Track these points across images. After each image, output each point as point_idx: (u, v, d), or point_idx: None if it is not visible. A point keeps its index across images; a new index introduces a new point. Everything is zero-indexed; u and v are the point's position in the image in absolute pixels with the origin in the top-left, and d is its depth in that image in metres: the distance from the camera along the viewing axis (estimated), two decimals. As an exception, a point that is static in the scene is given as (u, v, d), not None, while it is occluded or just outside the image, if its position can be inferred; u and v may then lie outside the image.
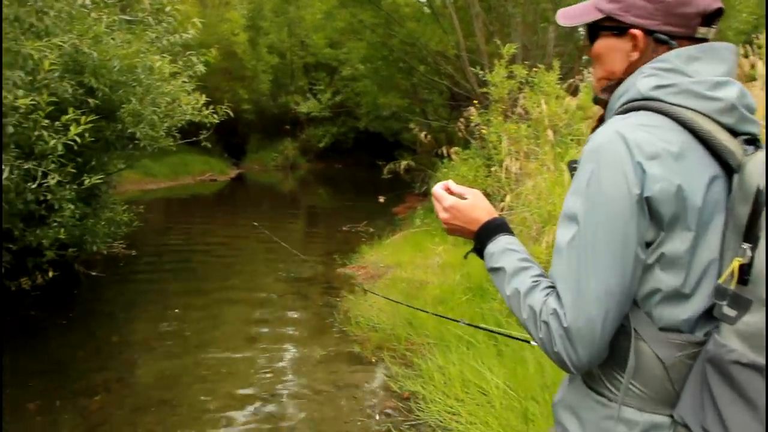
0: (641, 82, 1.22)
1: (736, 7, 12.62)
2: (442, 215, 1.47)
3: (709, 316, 1.14)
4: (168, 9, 7.53)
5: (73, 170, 5.79)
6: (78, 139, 4.60)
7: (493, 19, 15.63)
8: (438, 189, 1.49)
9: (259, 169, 27.10)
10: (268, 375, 5.03)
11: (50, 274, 6.40)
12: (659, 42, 1.24)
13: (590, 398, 1.26)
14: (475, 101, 9.71)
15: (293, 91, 29.14)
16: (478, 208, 1.43)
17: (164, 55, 6.65)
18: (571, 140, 7.26)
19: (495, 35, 13.98)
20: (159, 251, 9.57)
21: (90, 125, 4.74)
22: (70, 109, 4.68)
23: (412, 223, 11.24)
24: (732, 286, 1.06)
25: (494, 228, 1.40)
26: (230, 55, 25.03)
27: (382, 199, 13.20)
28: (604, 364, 1.21)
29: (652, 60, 1.23)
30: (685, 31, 1.23)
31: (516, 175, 7.48)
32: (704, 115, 1.16)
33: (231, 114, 7.40)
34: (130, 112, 6.16)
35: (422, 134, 10.15)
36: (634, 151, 1.12)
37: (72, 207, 5.71)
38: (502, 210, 7.08)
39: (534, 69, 8.34)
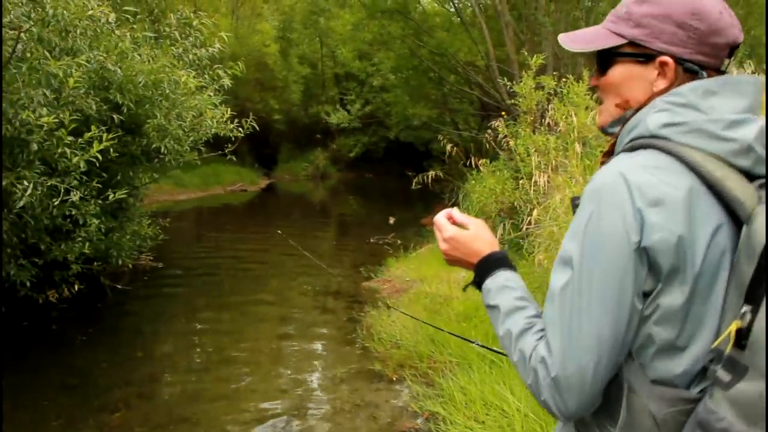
0: (651, 118, 1.14)
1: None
2: (442, 246, 1.41)
3: (705, 374, 1.07)
4: (195, 23, 7.59)
5: (98, 185, 5.86)
6: (99, 156, 4.62)
7: (524, 28, 15.51)
8: (440, 218, 1.43)
9: (290, 179, 27.23)
10: (290, 393, 4.99)
11: (76, 287, 6.46)
12: (688, 71, 1.16)
13: None
14: (503, 112, 9.60)
15: (324, 101, 29.29)
16: (479, 239, 1.37)
17: (189, 69, 6.66)
18: (601, 152, 7.11)
19: (525, 45, 13.86)
20: (186, 263, 9.62)
21: (112, 141, 4.76)
22: (93, 126, 4.70)
23: (439, 235, 11.15)
24: (728, 350, 0.98)
25: (494, 262, 1.33)
26: (262, 66, 25.28)
27: (392, 221, 13.09)
28: (596, 413, 1.15)
29: (666, 93, 1.15)
30: (714, 62, 1.16)
31: (544, 189, 7.36)
32: (717, 156, 1.08)
33: (256, 127, 7.40)
34: (155, 126, 6.19)
35: (449, 145, 10.02)
36: (635, 196, 1.05)
37: (97, 221, 5.75)
38: (529, 224, 6.97)
39: (563, 79, 8.20)
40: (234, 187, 21.57)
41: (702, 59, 1.14)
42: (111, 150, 5.82)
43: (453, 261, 1.42)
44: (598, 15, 13.79)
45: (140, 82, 5.87)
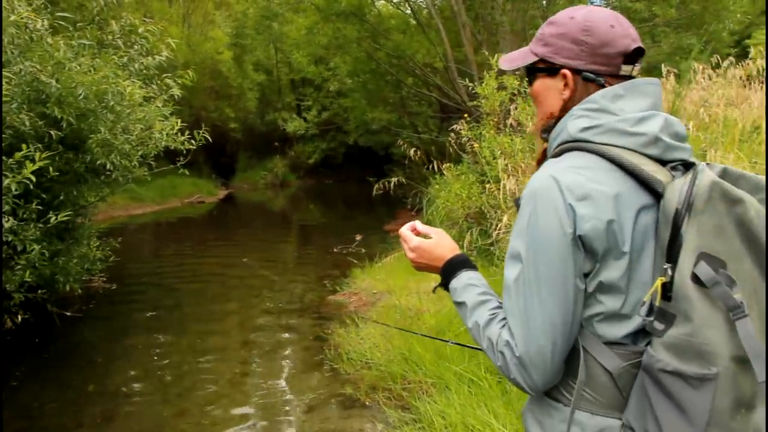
0: (571, 125, 1.33)
1: (729, 8, 12.34)
2: (409, 255, 1.60)
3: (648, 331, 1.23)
4: (141, 30, 7.17)
5: (38, 207, 5.42)
6: (33, 177, 4.19)
7: (480, 29, 15.36)
8: (405, 231, 1.63)
9: (249, 188, 26.68)
10: (256, 427, 4.62)
11: (19, 317, 5.99)
12: (587, 80, 1.35)
13: (548, 405, 1.37)
14: (464, 114, 9.35)
15: (281, 107, 28.84)
16: (441, 246, 1.57)
17: (134, 79, 6.24)
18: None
19: (483, 45, 13.69)
20: (142, 283, 9.12)
21: (47, 161, 4.32)
22: (23, 146, 4.25)
23: (405, 242, 10.86)
24: (657, 303, 1.17)
25: (456, 264, 1.52)
26: (216, 74, 24.73)
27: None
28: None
29: (582, 101, 1.34)
30: (609, 70, 1.34)
31: (513, 192, 7.12)
32: (630, 149, 1.26)
33: (209, 139, 7.01)
34: (99, 141, 5.76)
35: (411, 150, 9.73)
36: (565, 194, 1.23)
37: (38, 246, 5.31)
38: (499, 230, 6.72)
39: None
40: (191, 199, 20.97)
41: (597, 68, 1.34)
42: (50, 169, 5.41)
43: (421, 267, 1.61)
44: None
45: (80, 95, 5.43)
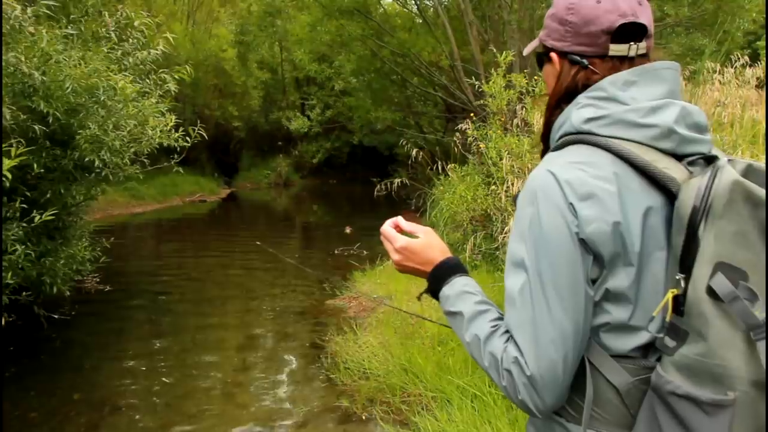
0: (575, 115, 1.20)
1: (744, 7, 12.03)
2: (394, 257, 1.41)
3: None
4: (137, 23, 6.91)
5: (23, 205, 5.17)
6: (8, 175, 3.93)
7: (487, 27, 15.12)
8: (387, 228, 1.44)
9: (252, 187, 26.45)
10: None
11: (2, 321, 5.73)
12: (573, 63, 1.24)
13: (553, 421, 1.25)
14: (471, 114, 9.09)
15: (285, 106, 28.59)
16: (430, 247, 1.39)
17: (125, 73, 5.98)
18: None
19: (490, 44, 13.44)
20: (135, 285, 8.86)
21: (25, 157, 4.05)
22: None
23: (408, 244, 10.60)
24: (668, 317, 1.06)
25: (448, 269, 1.36)
26: (220, 72, 24.49)
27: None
28: None
29: (589, 89, 1.21)
30: (595, 50, 1.21)
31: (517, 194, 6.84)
32: (641, 143, 1.13)
33: (204, 135, 6.73)
34: (88, 138, 5.50)
35: (414, 150, 9.47)
36: (566, 192, 1.11)
37: (22, 247, 5.06)
38: (505, 234, 6.45)
39: (535, 78, 7.71)
40: (193, 198, 20.73)
41: (582, 49, 1.21)
42: (35, 165, 5.17)
43: (406, 270, 1.42)
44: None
45: (68, 88, 5.18)
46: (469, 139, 8.30)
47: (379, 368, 5.09)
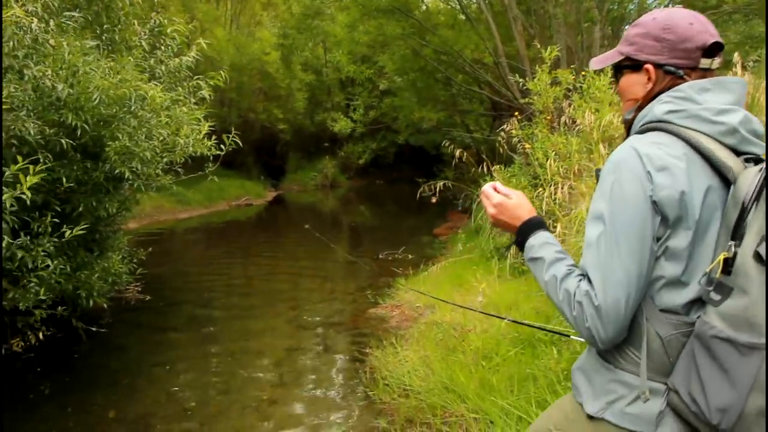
0: (658, 108, 1.48)
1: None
2: (490, 210, 1.73)
3: (702, 302, 1.36)
4: (170, 30, 6.80)
5: (54, 220, 5.07)
6: (28, 193, 3.80)
7: (533, 22, 14.67)
8: (487, 188, 1.75)
9: (299, 189, 26.46)
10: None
11: (41, 335, 5.69)
12: (668, 73, 1.50)
13: (600, 364, 1.51)
14: (516, 112, 8.74)
15: (330, 107, 28.54)
16: (521, 207, 1.69)
17: (156, 82, 5.85)
18: (619, 137, 6.26)
19: (535, 38, 13.01)
20: (176, 294, 8.76)
21: (42, 174, 3.91)
22: (19, 157, 3.85)
23: (453, 248, 10.30)
24: (718, 276, 1.29)
25: (535, 225, 1.65)
26: (264, 75, 24.56)
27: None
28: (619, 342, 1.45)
29: (671, 89, 1.48)
30: (689, 63, 1.48)
31: (567, 197, 6.50)
32: (709, 136, 1.40)
33: (239, 143, 6.56)
34: (117, 149, 5.38)
35: (458, 151, 9.16)
36: (645, 162, 1.37)
37: (54, 262, 4.96)
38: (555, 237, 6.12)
39: (582, 73, 7.32)
40: (239, 202, 20.79)
41: (677, 62, 1.49)
42: (64, 180, 5.07)
43: (499, 224, 1.74)
44: (612, 2, 12.94)
45: (95, 99, 5.06)
46: (513, 139, 7.97)
47: (419, 385, 4.82)
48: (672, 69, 1.48)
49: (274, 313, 7.72)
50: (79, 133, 5.07)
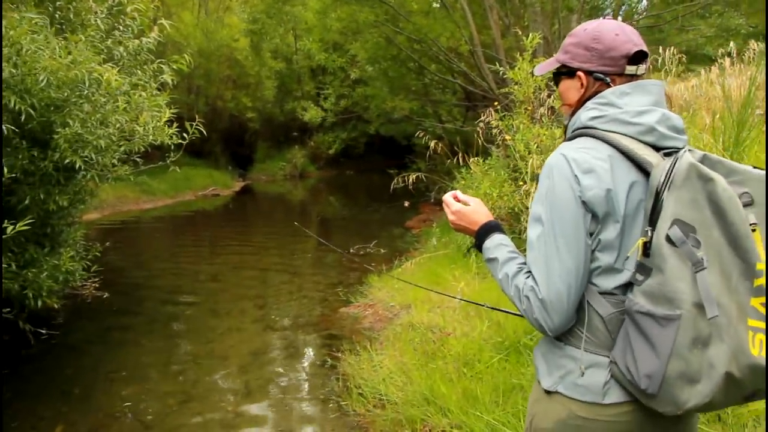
0: (584, 115, 1.64)
1: None
2: (450, 217, 1.89)
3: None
4: (129, 9, 6.31)
5: (-6, 214, 4.59)
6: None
7: (507, 11, 14.38)
8: (448, 197, 1.92)
9: (267, 179, 25.92)
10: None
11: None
12: (597, 79, 1.65)
13: (553, 344, 1.66)
14: (494, 102, 8.41)
15: (300, 96, 28.00)
16: (477, 212, 1.85)
17: (110, 64, 5.38)
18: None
19: (510, 28, 12.72)
20: (135, 292, 8.26)
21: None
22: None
23: (427, 243, 9.96)
24: (639, 258, 1.46)
25: (490, 228, 1.80)
26: (233, 62, 23.94)
27: (407, 203, 11.69)
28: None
29: (595, 97, 1.64)
30: (616, 70, 1.64)
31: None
32: (629, 136, 1.56)
33: (203, 132, 6.12)
34: (67, 137, 4.92)
35: (433, 142, 8.80)
36: (573, 167, 1.51)
37: (-4, 260, 4.50)
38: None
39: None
40: (206, 192, 20.23)
41: (605, 69, 1.64)
42: (5, 170, 4.60)
43: (459, 229, 1.90)
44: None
45: (42, 81, 4.60)
46: (493, 130, 7.63)
47: (396, 395, 4.46)
48: (600, 76, 1.63)
49: (241, 312, 7.30)
50: (23, 118, 4.60)
